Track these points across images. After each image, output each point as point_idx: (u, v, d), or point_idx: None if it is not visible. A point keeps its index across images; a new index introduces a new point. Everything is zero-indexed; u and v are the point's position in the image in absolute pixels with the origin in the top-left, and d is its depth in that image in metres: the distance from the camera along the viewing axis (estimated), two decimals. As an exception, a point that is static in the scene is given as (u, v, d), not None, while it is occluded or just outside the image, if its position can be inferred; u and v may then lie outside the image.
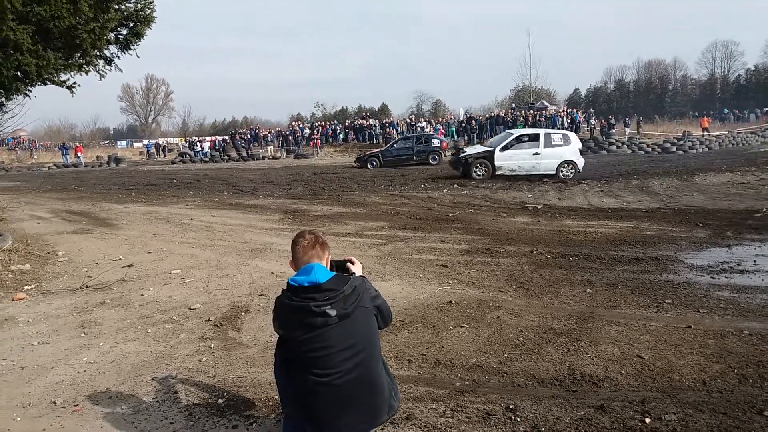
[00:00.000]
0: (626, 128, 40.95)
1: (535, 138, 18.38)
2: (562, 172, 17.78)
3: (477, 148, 19.94)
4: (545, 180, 16.79)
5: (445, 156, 27.26)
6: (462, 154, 19.16)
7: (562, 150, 17.96)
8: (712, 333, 4.33)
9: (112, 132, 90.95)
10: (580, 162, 18.02)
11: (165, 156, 47.23)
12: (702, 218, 9.27)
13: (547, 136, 18.44)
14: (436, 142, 28.33)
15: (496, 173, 17.92)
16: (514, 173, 17.92)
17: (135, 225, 11.10)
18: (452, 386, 3.61)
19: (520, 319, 4.84)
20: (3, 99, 10.18)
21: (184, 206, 14.01)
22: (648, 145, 31.23)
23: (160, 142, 55.24)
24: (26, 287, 6.54)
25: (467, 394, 3.48)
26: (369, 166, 27.56)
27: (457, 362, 3.98)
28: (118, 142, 70.46)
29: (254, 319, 5.13)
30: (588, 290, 5.61)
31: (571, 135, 18.92)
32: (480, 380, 3.68)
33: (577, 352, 4.08)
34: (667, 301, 5.17)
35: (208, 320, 5.13)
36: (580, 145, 18.00)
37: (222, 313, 5.35)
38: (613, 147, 30.85)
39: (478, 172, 18.03)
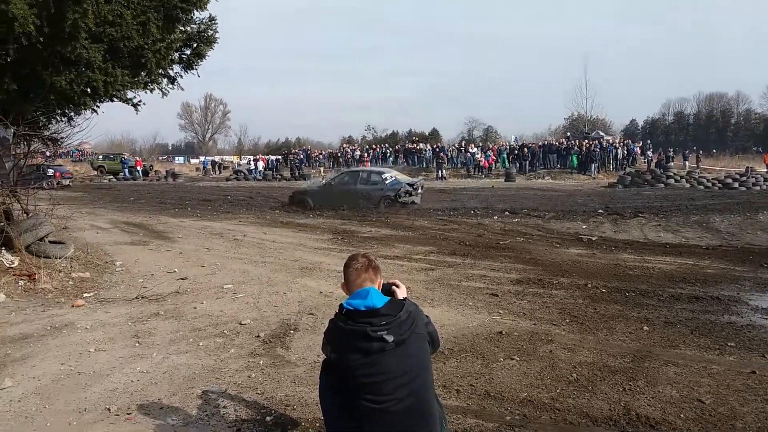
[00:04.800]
0: (685, 162, 39.67)
1: None
2: None
3: None
4: (600, 211, 16.38)
5: None
6: None
7: None
8: (779, 380, 4.09)
9: (170, 148, 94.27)
10: None
11: (220, 173, 48.68)
12: (767, 258, 8.84)
13: None
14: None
15: None
16: None
17: (190, 239, 11.41)
18: (502, 420, 3.52)
19: (573, 355, 4.69)
20: (72, 113, 10.76)
21: (238, 222, 14.31)
22: (708, 180, 29.97)
23: (216, 160, 56.99)
24: (85, 294, 6.79)
25: (517, 428, 3.40)
26: None
27: (507, 395, 3.88)
28: (176, 158, 72.79)
29: (302, 338, 5.16)
30: (645, 328, 5.40)
31: None
32: (531, 415, 3.58)
33: (633, 392, 3.92)
34: (729, 344, 4.92)
35: (258, 336, 5.19)
36: None
37: (271, 329, 5.40)
38: (671, 180, 29.75)
39: None
